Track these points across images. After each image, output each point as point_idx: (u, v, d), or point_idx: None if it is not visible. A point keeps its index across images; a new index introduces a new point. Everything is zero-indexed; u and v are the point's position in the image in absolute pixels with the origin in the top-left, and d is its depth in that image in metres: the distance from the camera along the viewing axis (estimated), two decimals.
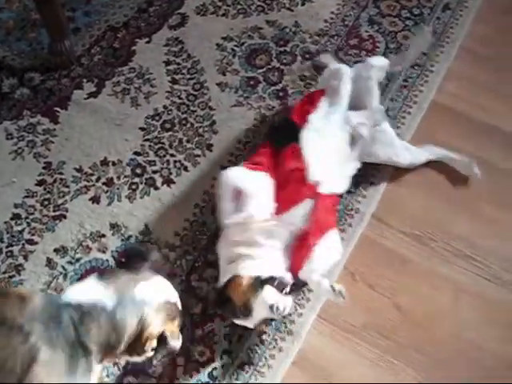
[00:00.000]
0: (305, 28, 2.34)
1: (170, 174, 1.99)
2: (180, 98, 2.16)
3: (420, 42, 2.22)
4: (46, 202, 1.94)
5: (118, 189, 1.97)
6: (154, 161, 2.02)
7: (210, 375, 1.65)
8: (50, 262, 1.82)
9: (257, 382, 1.65)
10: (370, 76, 1.99)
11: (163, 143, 2.06)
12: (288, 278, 1.63)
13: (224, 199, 1.73)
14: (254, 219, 1.67)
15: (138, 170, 2.00)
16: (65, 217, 1.91)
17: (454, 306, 1.77)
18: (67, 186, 1.97)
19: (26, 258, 1.84)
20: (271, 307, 1.54)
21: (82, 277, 1.78)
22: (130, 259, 1.46)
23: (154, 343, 1.34)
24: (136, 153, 2.04)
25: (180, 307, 1.45)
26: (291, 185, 1.75)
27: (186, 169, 2.00)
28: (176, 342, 1.42)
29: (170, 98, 2.16)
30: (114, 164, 2.02)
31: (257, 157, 1.84)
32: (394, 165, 1.96)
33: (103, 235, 1.87)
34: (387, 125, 1.95)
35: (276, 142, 1.87)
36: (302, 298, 1.76)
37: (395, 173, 1.99)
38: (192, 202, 1.93)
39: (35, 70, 2.23)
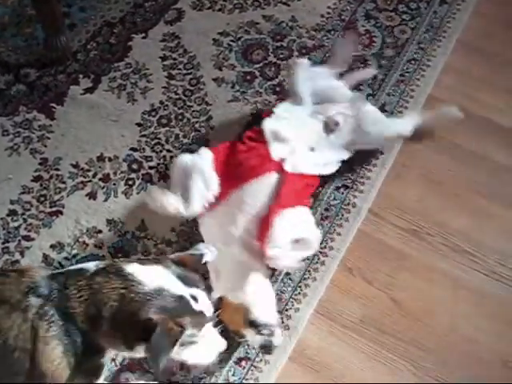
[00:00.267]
0: (301, 23, 2.34)
1: (167, 169, 1.98)
2: (176, 94, 2.16)
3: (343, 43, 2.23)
4: (42, 198, 1.93)
5: (114, 184, 1.96)
6: (150, 156, 2.01)
7: (207, 370, 1.65)
8: (46, 258, 1.82)
9: (254, 376, 1.65)
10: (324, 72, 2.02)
11: (160, 139, 2.05)
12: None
13: (173, 183, 1.75)
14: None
15: (135, 166, 2.00)
16: (61, 213, 1.91)
17: (451, 300, 1.77)
18: (63, 182, 1.96)
19: (22, 254, 1.83)
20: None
21: None
22: None
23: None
24: (132, 148, 2.03)
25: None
26: (252, 159, 1.75)
27: None
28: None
29: (167, 94, 2.16)
30: (110, 160, 2.01)
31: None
32: (387, 140, 1.97)
33: (100, 231, 1.87)
34: (369, 105, 1.96)
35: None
36: (299, 292, 1.76)
37: (392, 168, 1.99)
38: None
39: (31, 65, 2.22)
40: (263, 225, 1.64)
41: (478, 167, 1.99)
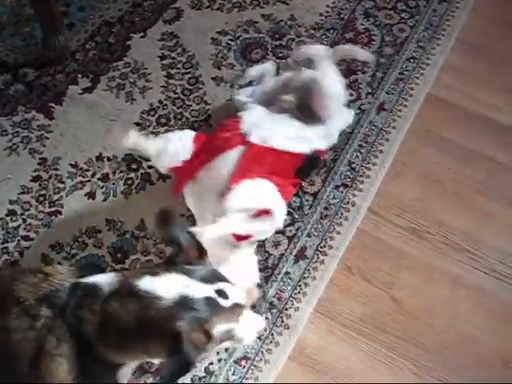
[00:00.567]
0: (300, 21, 2.33)
1: None
2: (175, 93, 2.15)
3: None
4: (41, 198, 1.93)
5: (113, 184, 1.96)
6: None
7: (207, 370, 1.65)
8: (45, 258, 1.82)
9: (254, 375, 1.65)
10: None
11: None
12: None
13: None
14: None
15: (134, 166, 1.99)
16: (60, 213, 1.90)
17: (451, 299, 1.77)
18: (62, 182, 1.96)
19: (21, 254, 1.83)
20: None
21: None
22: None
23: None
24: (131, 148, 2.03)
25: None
26: (222, 135, 1.76)
27: None
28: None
29: (166, 93, 2.15)
30: (109, 159, 2.01)
31: None
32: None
33: (99, 231, 1.87)
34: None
35: None
36: (299, 291, 1.76)
37: (392, 166, 1.99)
38: None
39: (29, 65, 2.21)
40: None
41: (478, 166, 1.99)
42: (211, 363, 1.65)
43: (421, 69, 2.21)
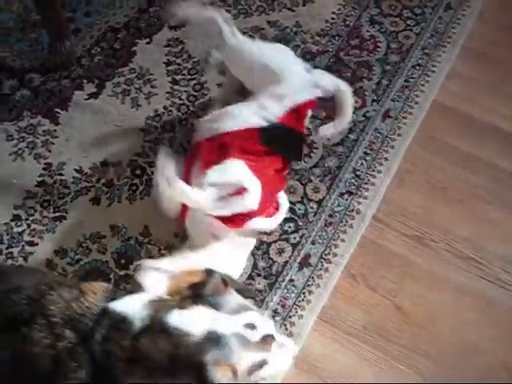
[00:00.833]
0: (306, 28, 2.34)
1: None
2: (180, 99, 2.16)
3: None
4: (46, 204, 1.93)
5: (118, 190, 1.96)
6: (154, 162, 2.01)
7: None
8: (49, 264, 1.82)
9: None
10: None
11: (163, 144, 2.05)
12: None
13: None
14: None
15: (138, 171, 2.00)
16: (65, 218, 1.91)
17: (455, 307, 1.76)
18: (67, 187, 1.96)
19: (25, 259, 1.83)
20: None
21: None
22: None
23: None
24: (136, 154, 2.03)
25: None
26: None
27: None
28: None
29: (171, 99, 2.16)
30: (114, 165, 2.01)
31: None
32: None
33: (103, 236, 1.87)
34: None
35: None
36: (303, 299, 1.76)
37: (396, 174, 1.98)
38: None
39: (35, 70, 2.22)
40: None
41: (483, 173, 1.99)
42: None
43: (426, 76, 2.21)
